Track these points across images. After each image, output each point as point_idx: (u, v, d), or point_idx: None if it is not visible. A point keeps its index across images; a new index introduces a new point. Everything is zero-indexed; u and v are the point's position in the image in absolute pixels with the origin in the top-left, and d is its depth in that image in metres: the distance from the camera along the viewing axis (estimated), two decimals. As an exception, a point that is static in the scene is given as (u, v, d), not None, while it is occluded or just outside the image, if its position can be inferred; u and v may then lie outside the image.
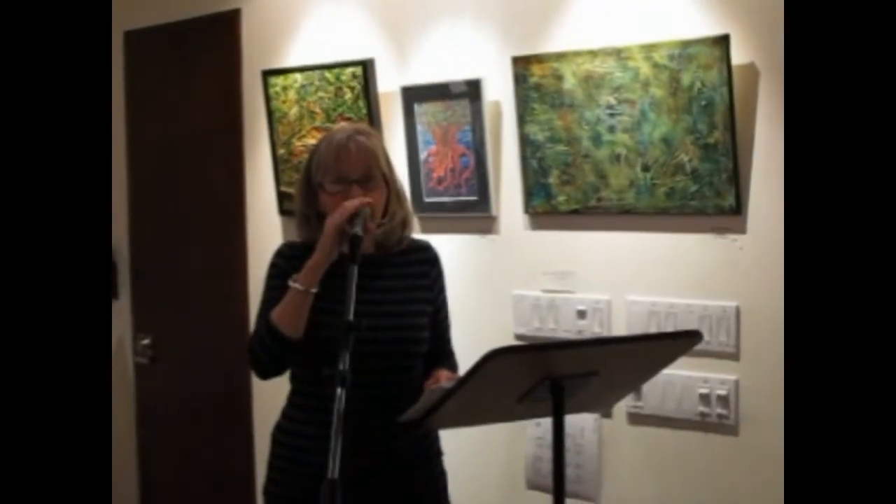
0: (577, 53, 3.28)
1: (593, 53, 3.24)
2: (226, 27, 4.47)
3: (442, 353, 2.91)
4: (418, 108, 3.71)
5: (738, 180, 3.01)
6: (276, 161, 4.21)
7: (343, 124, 3.45)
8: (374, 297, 2.73)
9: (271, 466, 2.90)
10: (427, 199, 3.74)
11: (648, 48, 3.12)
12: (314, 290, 2.66)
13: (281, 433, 2.89)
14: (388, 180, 2.81)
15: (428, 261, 2.91)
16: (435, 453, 2.92)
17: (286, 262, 2.85)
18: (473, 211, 3.63)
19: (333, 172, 2.75)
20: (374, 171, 2.76)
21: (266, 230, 4.36)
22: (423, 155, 3.73)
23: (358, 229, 2.58)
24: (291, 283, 2.68)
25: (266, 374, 2.83)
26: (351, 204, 2.65)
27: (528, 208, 3.49)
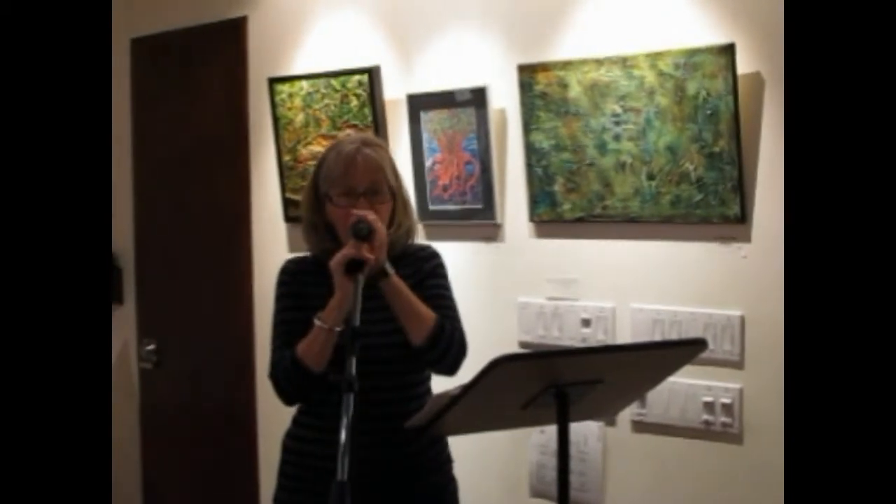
0: (582, 62, 3.28)
1: (599, 62, 3.25)
2: (232, 34, 4.48)
3: None
4: (424, 116, 3.72)
5: (742, 189, 3.01)
6: (282, 168, 4.21)
7: (351, 134, 3.46)
8: (376, 303, 2.73)
9: (281, 473, 2.90)
10: (432, 207, 3.75)
11: (654, 57, 3.13)
12: (339, 329, 2.65)
13: (290, 440, 2.89)
14: (395, 192, 2.81)
15: (422, 258, 2.89)
16: (445, 460, 2.92)
17: (293, 278, 2.87)
18: (478, 218, 3.63)
19: (341, 185, 2.75)
20: (381, 184, 2.76)
21: (271, 236, 4.37)
22: (428, 162, 3.74)
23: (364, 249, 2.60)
24: (317, 322, 2.67)
25: (292, 403, 2.85)
26: (348, 252, 2.61)
27: (533, 216, 3.49)
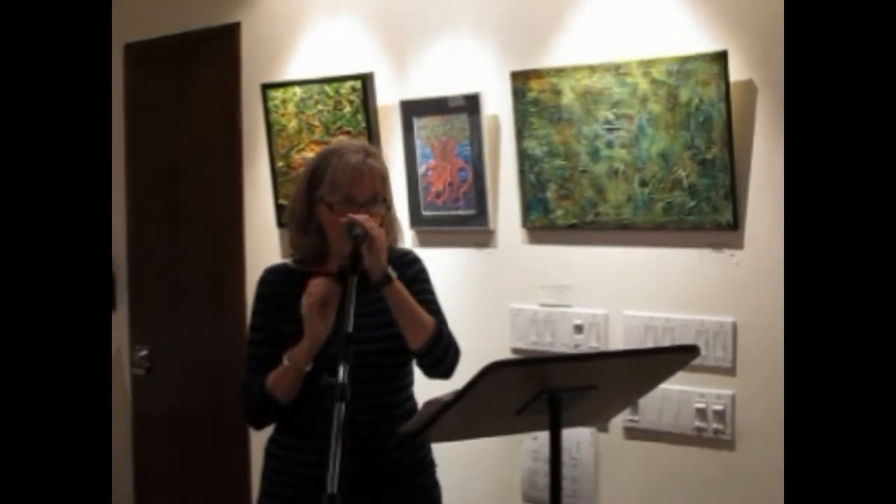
0: (575, 68, 3.29)
1: (592, 69, 3.25)
2: (225, 40, 4.48)
3: None
4: (417, 122, 3.73)
5: (735, 196, 3.02)
6: (275, 174, 4.22)
7: (344, 140, 3.46)
8: (361, 310, 2.73)
9: (265, 479, 2.91)
10: (425, 213, 3.75)
11: (647, 64, 3.14)
12: (308, 368, 2.68)
13: (275, 446, 2.90)
14: (389, 203, 2.83)
15: (405, 264, 2.89)
16: (428, 464, 2.93)
17: (269, 289, 2.88)
18: (471, 225, 3.64)
19: (344, 193, 2.75)
20: (379, 194, 2.78)
21: (264, 242, 4.37)
22: (421, 169, 3.74)
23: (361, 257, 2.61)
24: (286, 360, 2.71)
25: (259, 428, 2.93)
26: (315, 290, 2.65)
27: (526, 222, 3.50)
